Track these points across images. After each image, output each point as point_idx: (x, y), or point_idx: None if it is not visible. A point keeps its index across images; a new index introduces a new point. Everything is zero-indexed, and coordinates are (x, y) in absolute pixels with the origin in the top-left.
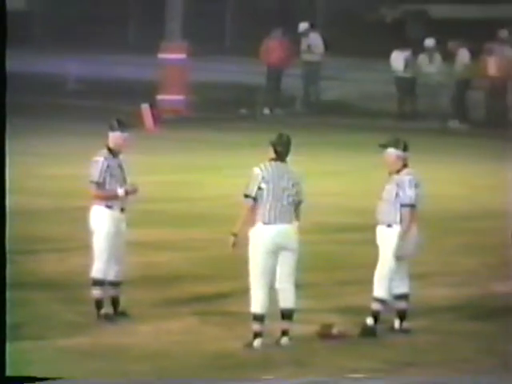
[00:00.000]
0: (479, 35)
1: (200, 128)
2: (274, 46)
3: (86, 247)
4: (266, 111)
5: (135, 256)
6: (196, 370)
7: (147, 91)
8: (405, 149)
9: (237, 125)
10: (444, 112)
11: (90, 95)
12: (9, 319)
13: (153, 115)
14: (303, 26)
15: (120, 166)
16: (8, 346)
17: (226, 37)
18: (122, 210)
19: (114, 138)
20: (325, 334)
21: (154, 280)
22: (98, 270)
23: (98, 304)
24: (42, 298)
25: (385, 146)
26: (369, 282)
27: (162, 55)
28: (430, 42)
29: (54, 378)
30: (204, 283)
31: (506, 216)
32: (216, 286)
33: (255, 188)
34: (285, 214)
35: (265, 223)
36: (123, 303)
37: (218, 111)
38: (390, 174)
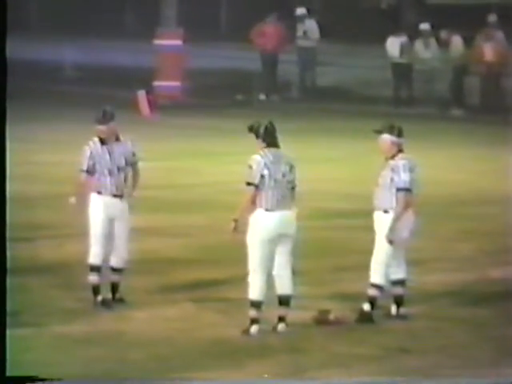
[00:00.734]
0: (475, 21)
1: (196, 114)
2: (269, 32)
3: (83, 234)
4: (262, 97)
5: (132, 242)
6: (193, 356)
7: (144, 77)
8: (399, 134)
9: (233, 111)
10: (440, 98)
11: (87, 82)
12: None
13: (149, 102)
14: (300, 10)
15: (110, 153)
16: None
17: (221, 23)
18: (121, 196)
19: (99, 131)
20: (322, 320)
21: (150, 266)
22: (94, 255)
23: (95, 290)
24: (39, 285)
25: (379, 132)
26: (366, 268)
27: (157, 41)
28: (424, 26)
29: (54, 379)
30: (201, 269)
31: (503, 202)
32: (213, 273)
33: (258, 175)
34: (285, 200)
35: (267, 210)
36: (120, 289)
37: (214, 97)
38: (386, 159)
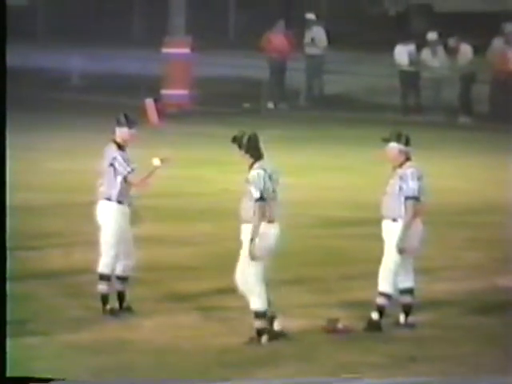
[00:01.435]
0: (483, 29)
1: (204, 122)
2: (276, 40)
3: (90, 242)
4: (270, 105)
5: (139, 251)
6: (199, 365)
7: (151, 86)
8: (407, 143)
9: (241, 119)
10: (448, 106)
11: (94, 90)
12: (14, 315)
13: (157, 110)
14: (310, 15)
15: (127, 160)
16: (12, 342)
17: (229, 31)
18: (130, 204)
19: (122, 133)
20: (330, 329)
21: (157, 275)
22: (105, 264)
23: (104, 299)
24: (46, 293)
25: (387, 141)
26: (374, 277)
27: (165, 50)
28: (432, 36)
29: (54, 379)
30: (207, 278)
31: (510, 210)
32: (219, 281)
33: (264, 189)
34: (278, 212)
35: (270, 222)
36: (127, 298)
37: (222, 105)
38: (394, 168)
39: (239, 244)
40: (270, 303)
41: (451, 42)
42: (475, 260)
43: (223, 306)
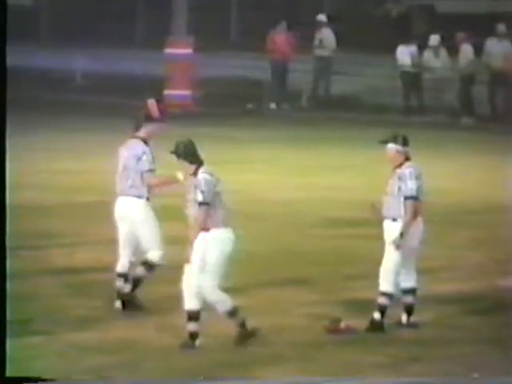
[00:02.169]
0: (485, 30)
1: (206, 123)
2: (278, 41)
3: (92, 242)
4: (273, 106)
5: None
6: (202, 365)
7: (154, 86)
8: (404, 143)
9: (243, 120)
10: (450, 106)
11: (97, 91)
12: (15, 314)
13: (159, 110)
14: (321, 17)
15: (153, 157)
16: (13, 342)
17: (231, 32)
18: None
19: (150, 130)
20: (333, 329)
21: (161, 274)
22: (158, 256)
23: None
24: (50, 293)
25: (385, 142)
26: (377, 277)
27: (168, 50)
28: (434, 40)
29: (54, 379)
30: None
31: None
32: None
33: (210, 194)
34: (228, 218)
35: (224, 226)
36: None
37: (224, 106)
38: (394, 168)
39: (241, 244)
40: (237, 308)
41: (457, 36)
42: (477, 260)
43: None
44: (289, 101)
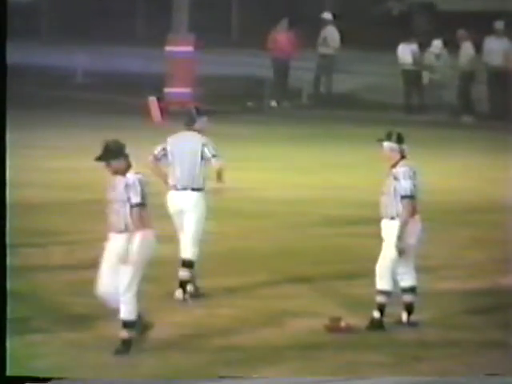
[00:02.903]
0: (486, 28)
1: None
2: (280, 38)
3: (92, 240)
4: (273, 104)
5: None
6: (202, 363)
7: (155, 84)
8: (398, 141)
9: (244, 117)
10: (451, 105)
11: (98, 88)
12: (15, 312)
13: (160, 108)
14: (326, 15)
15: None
16: (13, 340)
17: (232, 29)
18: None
19: (203, 121)
20: (333, 328)
21: (160, 273)
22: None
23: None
24: (50, 291)
25: (380, 140)
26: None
27: (169, 48)
28: (437, 45)
29: (54, 378)
30: (211, 276)
31: None
32: (223, 279)
33: (143, 195)
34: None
35: (151, 227)
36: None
37: (225, 104)
38: (390, 167)
39: (244, 242)
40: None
41: (459, 33)
42: (478, 259)
43: (226, 303)
44: (289, 98)
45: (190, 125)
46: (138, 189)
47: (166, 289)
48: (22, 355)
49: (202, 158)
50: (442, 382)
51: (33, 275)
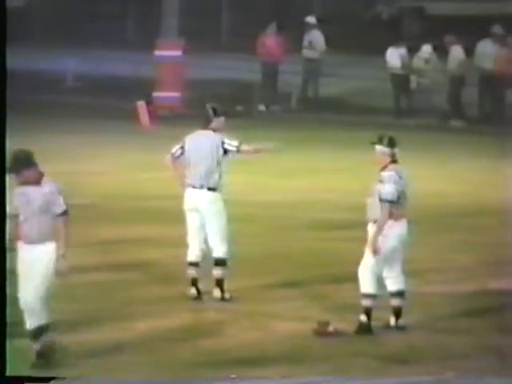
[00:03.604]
0: (476, 32)
1: (196, 125)
2: (269, 42)
3: (85, 244)
4: (262, 108)
5: (133, 253)
6: (192, 366)
7: (144, 88)
8: (389, 144)
9: (232, 122)
10: (440, 109)
11: (88, 92)
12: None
13: (149, 112)
14: (310, 19)
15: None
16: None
17: (222, 34)
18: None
19: (220, 121)
20: (321, 332)
21: (151, 277)
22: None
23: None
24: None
25: (373, 144)
26: None
27: (158, 52)
28: (426, 50)
29: (54, 378)
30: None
31: (501, 213)
32: (210, 283)
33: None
34: None
35: None
36: (123, 299)
37: None
38: (380, 171)
39: (239, 246)
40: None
41: (447, 38)
42: (466, 263)
43: (218, 308)
44: (278, 102)
45: (206, 124)
46: (61, 197)
47: (159, 293)
48: (22, 357)
49: (225, 152)
50: (434, 382)
51: None
